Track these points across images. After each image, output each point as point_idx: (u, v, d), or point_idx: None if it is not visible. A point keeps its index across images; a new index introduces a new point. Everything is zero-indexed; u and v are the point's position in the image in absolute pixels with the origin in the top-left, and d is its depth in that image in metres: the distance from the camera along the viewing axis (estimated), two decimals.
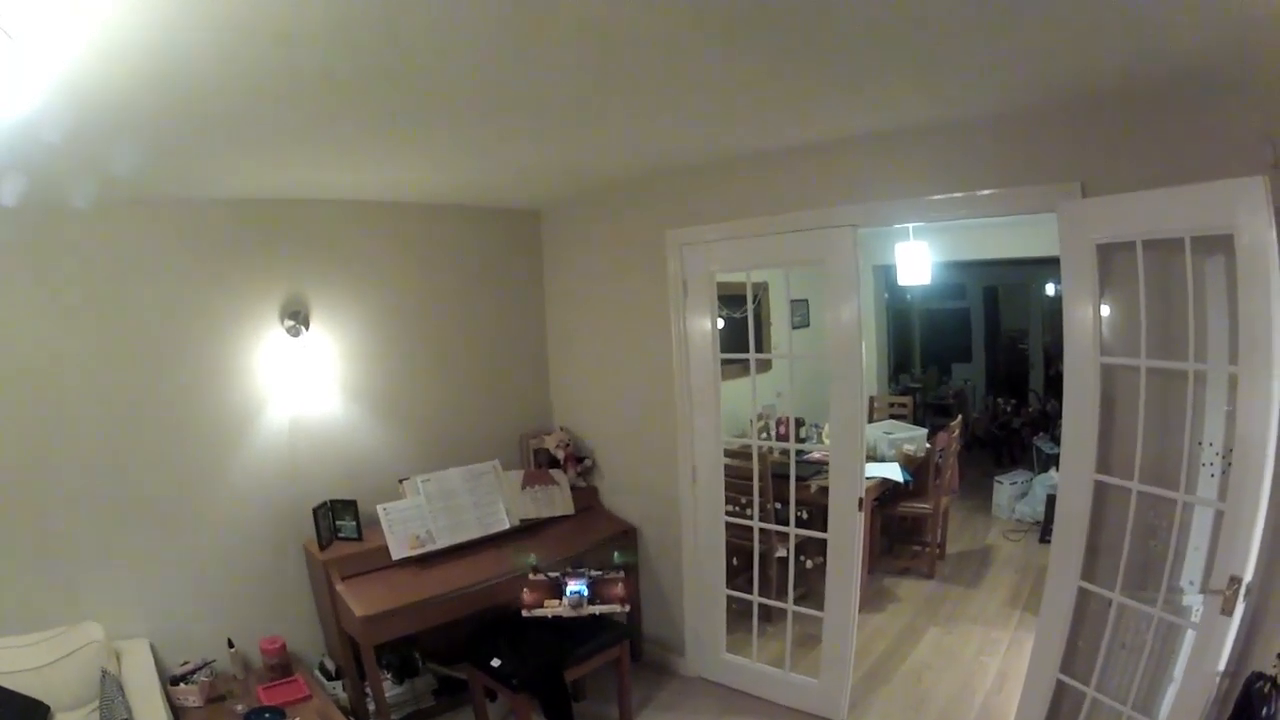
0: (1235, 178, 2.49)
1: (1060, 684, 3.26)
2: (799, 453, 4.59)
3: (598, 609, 3.87)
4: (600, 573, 3.95)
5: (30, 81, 1.89)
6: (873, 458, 6.38)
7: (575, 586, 3.84)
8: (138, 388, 3.82)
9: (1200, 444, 2.88)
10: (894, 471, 6.16)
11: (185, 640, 3.87)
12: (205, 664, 3.76)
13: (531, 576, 3.95)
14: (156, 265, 3.86)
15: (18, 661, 3.23)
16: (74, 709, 3.29)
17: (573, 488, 5.07)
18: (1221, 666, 2.57)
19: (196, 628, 3.93)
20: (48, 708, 3.18)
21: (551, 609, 3.83)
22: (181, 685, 3.62)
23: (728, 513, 4.62)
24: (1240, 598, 2.50)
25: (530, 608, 3.83)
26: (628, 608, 4.03)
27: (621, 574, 4.06)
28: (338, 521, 4.31)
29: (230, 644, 3.94)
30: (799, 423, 6.00)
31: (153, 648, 3.73)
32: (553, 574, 3.91)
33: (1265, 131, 2.58)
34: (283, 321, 4.23)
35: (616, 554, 4.09)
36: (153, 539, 3.86)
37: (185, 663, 3.75)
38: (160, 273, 3.87)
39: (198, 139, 2.80)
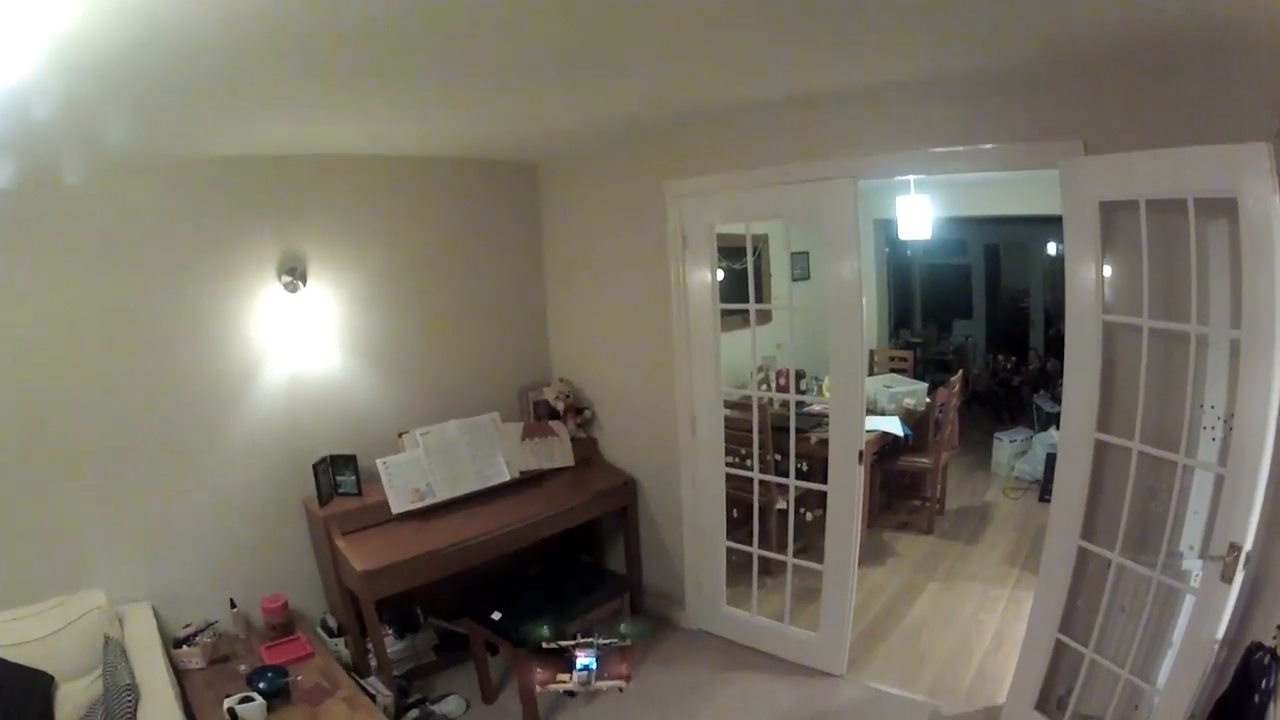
0: (1240, 143, 2.44)
1: (1059, 644, 3.29)
2: (799, 405, 4.57)
3: (604, 684, 3.88)
4: (608, 643, 3.94)
5: (22, 45, 1.83)
6: (873, 411, 6.36)
7: (584, 661, 3.84)
8: (135, 349, 3.77)
9: (1202, 407, 2.86)
10: (894, 425, 6.16)
11: (187, 602, 3.87)
12: (208, 625, 3.78)
13: (544, 645, 3.94)
14: (151, 226, 3.78)
15: (21, 633, 3.20)
16: (79, 677, 3.27)
17: (573, 439, 5.07)
18: (1220, 634, 2.58)
19: (198, 589, 3.94)
20: (51, 678, 3.17)
21: (562, 685, 3.84)
22: (184, 648, 3.63)
23: (728, 464, 4.62)
24: (1240, 565, 2.50)
25: (543, 685, 3.85)
26: (629, 684, 4.05)
27: (629, 643, 4.03)
28: (337, 477, 4.30)
29: (232, 604, 3.96)
30: (799, 375, 5.99)
31: (155, 611, 3.73)
32: (564, 642, 3.91)
33: (1270, 100, 2.53)
34: (280, 278, 4.18)
35: (623, 625, 4.07)
36: (152, 501, 3.84)
37: (188, 625, 3.76)
38: (155, 234, 3.80)
39: (188, 97, 2.71)
